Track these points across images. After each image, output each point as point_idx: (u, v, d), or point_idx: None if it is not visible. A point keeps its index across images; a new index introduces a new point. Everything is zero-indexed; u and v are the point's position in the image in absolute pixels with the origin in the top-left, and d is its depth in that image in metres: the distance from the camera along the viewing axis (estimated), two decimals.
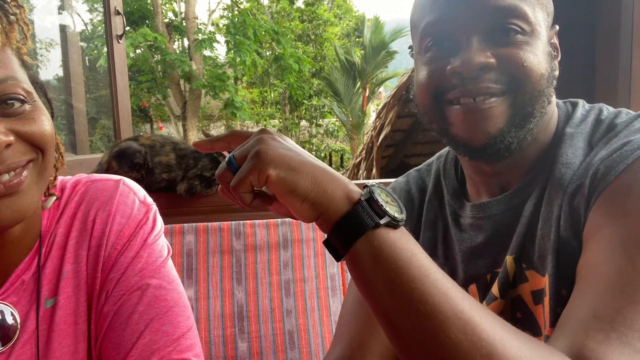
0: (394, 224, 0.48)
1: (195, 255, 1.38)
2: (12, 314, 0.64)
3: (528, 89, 0.62)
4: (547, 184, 0.64)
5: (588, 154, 0.63)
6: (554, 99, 0.68)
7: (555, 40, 0.69)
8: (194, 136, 11.09)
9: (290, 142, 0.54)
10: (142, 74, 11.03)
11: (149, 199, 0.77)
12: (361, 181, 0.52)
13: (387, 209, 0.48)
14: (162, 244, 0.75)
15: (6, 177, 0.57)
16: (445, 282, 0.46)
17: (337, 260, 0.51)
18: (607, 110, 0.68)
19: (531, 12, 0.62)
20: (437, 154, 0.88)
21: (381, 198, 0.49)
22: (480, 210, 0.72)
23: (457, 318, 0.43)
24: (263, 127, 0.56)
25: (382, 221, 0.48)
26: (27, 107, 0.59)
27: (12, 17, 0.60)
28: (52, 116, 0.69)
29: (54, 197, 0.71)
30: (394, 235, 0.48)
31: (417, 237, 0.81)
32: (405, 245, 0.48)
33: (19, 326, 0.64)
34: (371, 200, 0.48)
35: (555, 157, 0.65)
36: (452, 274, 0.74)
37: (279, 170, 0.49)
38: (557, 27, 0.69)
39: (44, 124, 0.61)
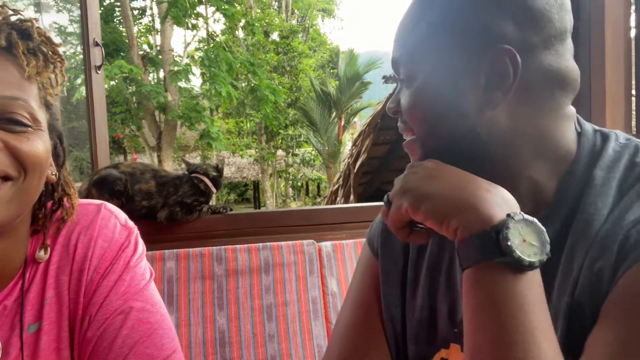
0: (515, 265, 0.46)
1: (176, 281, 1.37)
2: None
3: None
4: (570, 233, 0.55)
5: (617, 204, 0.54)
6: (566, 122, 0.60)
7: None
8: (169, 167, 10.98)
9: (428, 168, 0.56)
10: (116, 106, 10.97)
11: (130, 223, 0.78)
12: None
13: (514, 247, 0.46)
14: (144, 266, 0.75)
15: None
16: (550, 347, 0.45)
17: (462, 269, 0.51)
18: None
19: None
20: None
21: (515, 235, 0.47)
22: None
23: None
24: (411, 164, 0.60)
25: (500, 260, 0.47)
26: (28, 130, 0.61)
27: (50, 63, 0.65)
28: (63, 163, 0.72)
29: (48, 250, 0.70)
30: (509, 277, 0.46)
31: (406, 253, 0.75)
32: (519, 294, 0.46)
33: (0, 352, 0.63)
34: (499, 234, 0.47)
35: (579, 203, 0.56)
36: (453, 306, 0.68)
37: (412, 202, 0.53)
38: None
39: (37, 146, 0.61)
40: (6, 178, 0.59)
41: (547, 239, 0.49)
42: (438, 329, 0.68)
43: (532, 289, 0.47)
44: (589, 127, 0.62)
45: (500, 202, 0.50)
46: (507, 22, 0.55)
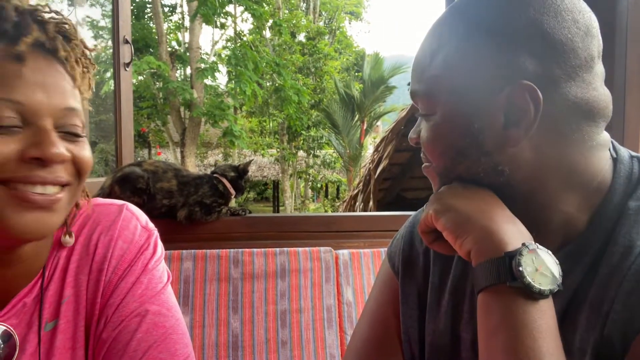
0: (525, 291, 0.47)
1: (193, 282, 1.38)
2: (11, 337, 0.64)
3: None
4: (601, 265, 0.53)
5: None
6: (600, 150, 0.57)
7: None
8: (192, 163, 11.13)
9: (467, 188, 0.58)
10: (143, 100, 11.18)
11: (151, 225, 0.78)
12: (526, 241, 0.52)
13: (526, 274, 0.47)
14: (162, 269, 0.76)
15: (50, 189, 0.59)
16: None
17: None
18: None
19: None
20: None
21: (527, 262, 0.48)
22: None
23: None
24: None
25: (511, 284, 0.48)
26: (81, 139, 0.64)
27: (85, 69, 0.66)
28: None
29: (73, 235, 0.72)
30: (519, 303, 0.47)
31: (427, 275, 0.73)
32: (529, 320, 0.47)
33: (17, 349, 0.64)
34: (512, 259, 0.49)
35: (612, 234, 0.54)
36: (477, 336, 0.67)
37: (436, 209, 0.57)
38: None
39: (89, 153, 0.65)
40: (65, 185, 0.62)
41: (560, 271, 0.50)
42: (460, 357, 0.66)
43: (543, 317, 0.47)
44: (625, 152, 0.60)
45: (517, 233, 0.52)
46: (526, 56, 0.52)
